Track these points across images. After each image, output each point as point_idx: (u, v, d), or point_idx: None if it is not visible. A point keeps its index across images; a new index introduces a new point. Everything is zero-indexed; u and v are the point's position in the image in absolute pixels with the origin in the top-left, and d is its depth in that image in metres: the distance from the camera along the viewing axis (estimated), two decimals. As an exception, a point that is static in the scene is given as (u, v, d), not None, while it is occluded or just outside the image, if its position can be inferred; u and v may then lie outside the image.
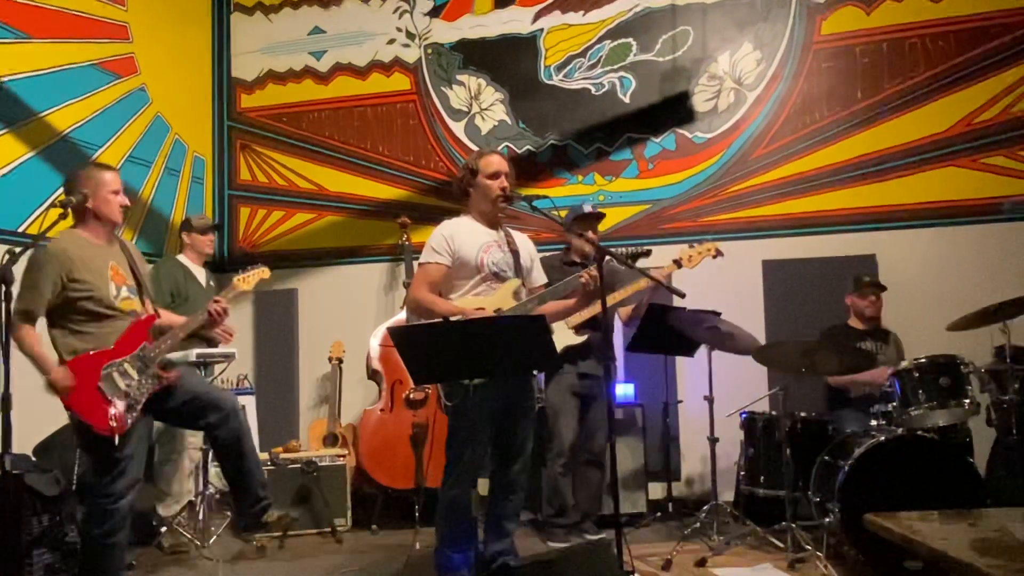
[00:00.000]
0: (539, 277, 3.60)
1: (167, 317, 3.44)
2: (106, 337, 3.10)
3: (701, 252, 4.11)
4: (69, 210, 3.10)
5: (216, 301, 3.49)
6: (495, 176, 3.38)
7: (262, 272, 3.72)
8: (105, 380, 3.03)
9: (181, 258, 4.66)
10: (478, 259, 3.34)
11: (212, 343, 4.21)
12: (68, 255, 3.06)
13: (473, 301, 3.31)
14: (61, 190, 3.39)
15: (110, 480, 3.06)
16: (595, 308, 4.11)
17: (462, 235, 3.39)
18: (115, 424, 2.97)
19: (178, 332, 3.33)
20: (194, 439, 4.33)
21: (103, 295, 3.10)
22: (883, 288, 4.59)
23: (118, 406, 3.01)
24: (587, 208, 4.52)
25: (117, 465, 3.06)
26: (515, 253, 3.45)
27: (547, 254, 4.63)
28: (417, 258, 3.48)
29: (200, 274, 4.66)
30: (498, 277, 3.38)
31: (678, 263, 4.10)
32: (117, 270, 3.19)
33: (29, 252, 2.97)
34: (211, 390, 3.44)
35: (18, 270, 2.87)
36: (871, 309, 4.52)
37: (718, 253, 4.11)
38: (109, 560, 3.12)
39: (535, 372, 4.36)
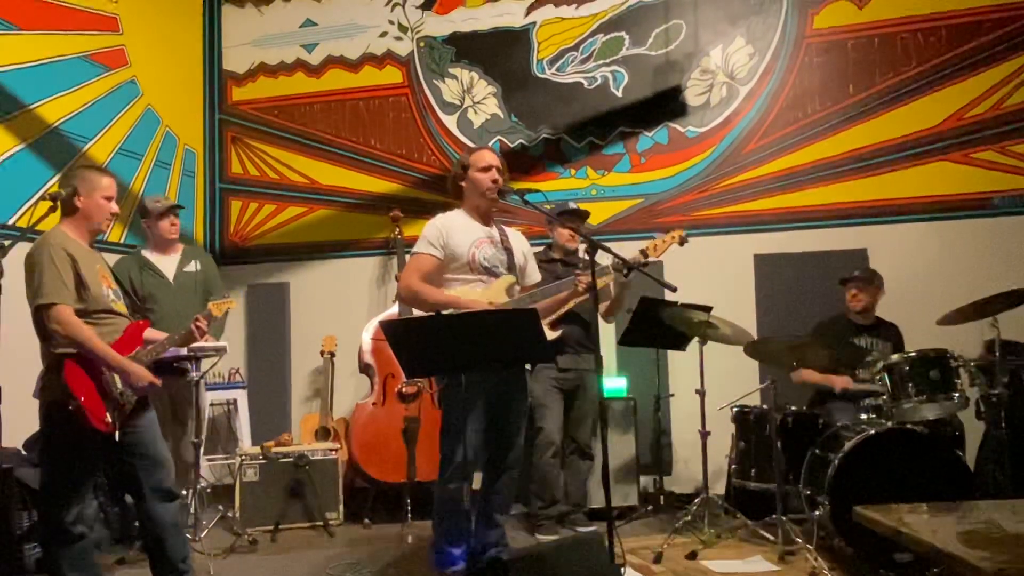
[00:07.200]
0: (533, 274, 3.62)
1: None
2: (105, 337, 3.00)
3: (667, 240, 4.10)
4: (58, 203, 3.02)
5: (197, 320, 3.38)
6: (486, 169, 3.41)
7: (230, 303, 3.82)
8: (106, 377, 2.97)
9: (145, 252, 4.45)
10: (469, 254, 3.35)
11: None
12: (71, 250, 2.96)
13: (468, 294, 3.31)
14: (53, 182, 3.33)
15: (74, 492, 2.94)
16: (570, 303, 4.13)
17: (455, 229, 3.39)
18: (110, 420, 2.93)
19: (166, 342, 3.28)
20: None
21: (100, 297, 3.02)
22: (863, 279, 4.49)
23: (112, 404, 2.97)
24: (571, 205, 4.63)
25: (89, 473, 2.99)
26: (508, 251, 3.46)
27: (533, 250, 4.67)
28: (409, 252, 3.48)
29: (168, 263, 4.42)
30: (489, 272, 3.39)
31: (644, 253, 4.09)
32: (104, 273, 3.13)
33: (18, 245, 2.91)
34: (169, 457, 3.24)
35: (9, 263, 2.84)
36: (853, 303, 4.51)
37: (684, 241, 4.10)
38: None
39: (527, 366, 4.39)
